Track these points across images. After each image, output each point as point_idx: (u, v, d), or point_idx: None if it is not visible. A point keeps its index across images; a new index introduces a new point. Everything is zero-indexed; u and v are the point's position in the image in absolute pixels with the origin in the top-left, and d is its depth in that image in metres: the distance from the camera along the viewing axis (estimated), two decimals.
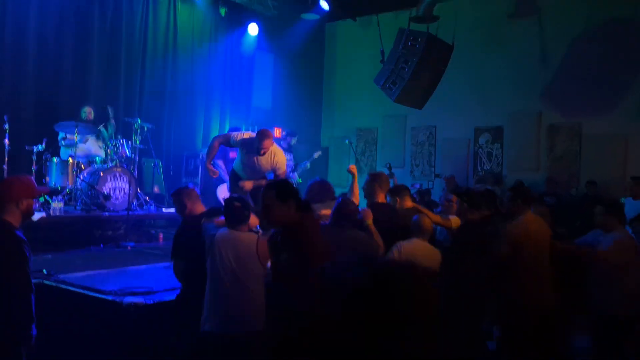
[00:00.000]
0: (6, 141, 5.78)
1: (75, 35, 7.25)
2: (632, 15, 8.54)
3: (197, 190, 7.51)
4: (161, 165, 7.65)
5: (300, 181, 8.29)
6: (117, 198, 5.93)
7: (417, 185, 9.10)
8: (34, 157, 5.89)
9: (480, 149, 10.05)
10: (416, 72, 7.24)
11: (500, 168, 9.81)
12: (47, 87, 6.88)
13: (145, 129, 6.81)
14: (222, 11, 9.00)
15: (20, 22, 6.67)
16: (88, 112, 6.50)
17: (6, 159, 5.77)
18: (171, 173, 8.15)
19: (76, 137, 6.05)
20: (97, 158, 6.34)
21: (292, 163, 8.48)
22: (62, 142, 6.30)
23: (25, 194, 2.72)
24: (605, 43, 8.70)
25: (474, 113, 9.91)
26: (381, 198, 4.22)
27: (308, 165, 8.61)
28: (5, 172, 5.70)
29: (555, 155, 9.26)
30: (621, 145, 8.61)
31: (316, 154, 8.56)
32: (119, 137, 6.64)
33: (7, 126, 5.79)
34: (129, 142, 6.54)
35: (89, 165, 6.17)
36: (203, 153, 7.98)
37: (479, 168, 10.03)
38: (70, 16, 7.19)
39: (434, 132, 10.62)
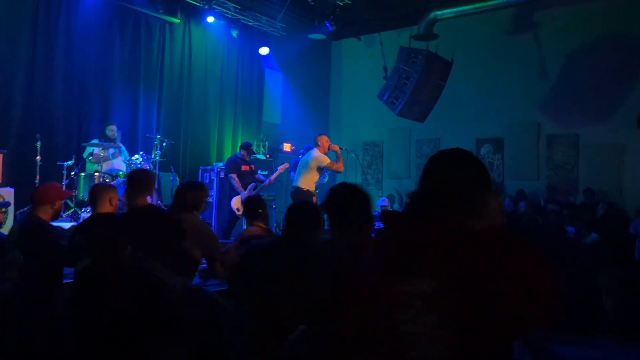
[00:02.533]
0: (38, 157, 6.29)
1: (98, 59, 7.80)
2: (624, 31, 8.93)
3: (213, 201, 8.00)
4: (178, 179, 8.11)
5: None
6: None
7: None
8: (64, 172, 6.39)
9: (482, 160, 10.40)
10: (417, 87, 7.70)
11: (501, 178, 10.17)
12: (74, 107, 7.44)
13: (164, 144, 7.31)
14: (234, 33, 9.53)
15: (49, 51, 7.24)
16: (112, 129, 7.02)
17: (38, 174, 6.27)
18: None
19: (102, 153, 6.56)
20: (120, 173, 6.83)
21: None
22: (90, 157, 6.81)
23: (58, 196, 3.46)
24: (600, 57, 9.09)
25: (476, 125, 10.30)
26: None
27: (327, 178, 8.52)
28: (38, 186, 6.19)
29: (554, 164, 9.62)
30: (618, 154, 8.96)
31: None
32: (140, 152, 7.14)
33: (39, 144, 6.30)
34: (150, 156, 7.04)
35: (114, 179, 6.65)
36: (218, 166, 8.46)
37: None
38: (93, 42, 7.75)
39: (438, 144, 11.00)
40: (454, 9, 8.80)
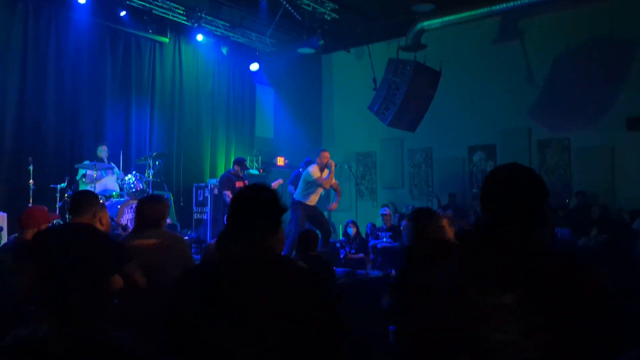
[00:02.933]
0: (31, 181, 6.28)
1: (89, 81, 7.85)
2: (609, 35, 9.05)
3: (207, 219, 7.99)
4: (172, 197, 8.12)
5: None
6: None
7: (410, 207, 9.46)
8: (58, 195, 6.39)
9: (474, 167, 10.48)
10: (406, 97, 7.77)
11: None
12: (65, 129, 7.47)
13: (157, 162, 7.33)
14: (224, 50, 9.60)
15: (40, 74, 7.29)
16: (104, 150, 7.03)
17: (31, 197, 6.26)
18: (182, 204, 8.63)
19: (95, 174, 6.56)
20: (113, 193, 6.83)
21: None
22: (83, 179, 6.81)
23: (44, 220, 3.41)
24: (586, 61, 9.19)
25: (467, 133, 10.36)
26: None
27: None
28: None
29: (546, 168, 9.68)
30: (608, 156, 9.03)
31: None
32: (133, 171, 7.15)
33: (31, 167, 6.30)
34: (143, 175, 7.05)
35: (107, 200, 6.65)
36: (212, 183, 8.47)
37: (475, 185, 10.45)
38: (84, 64, 7.80)
39: (430, 153, 11.07)
40: (440, 19, 8.90)
